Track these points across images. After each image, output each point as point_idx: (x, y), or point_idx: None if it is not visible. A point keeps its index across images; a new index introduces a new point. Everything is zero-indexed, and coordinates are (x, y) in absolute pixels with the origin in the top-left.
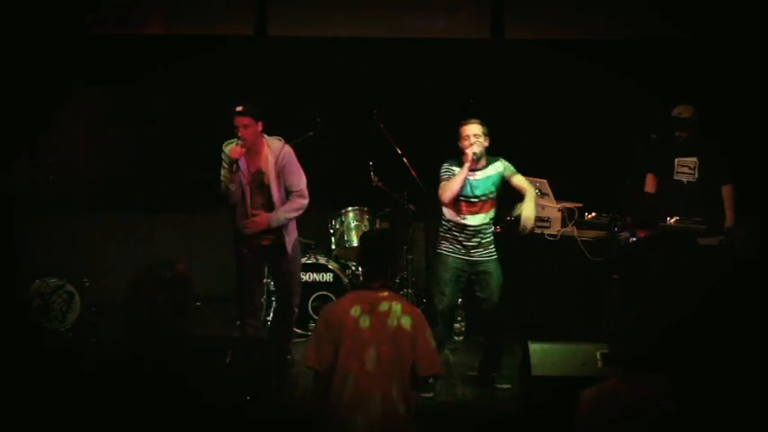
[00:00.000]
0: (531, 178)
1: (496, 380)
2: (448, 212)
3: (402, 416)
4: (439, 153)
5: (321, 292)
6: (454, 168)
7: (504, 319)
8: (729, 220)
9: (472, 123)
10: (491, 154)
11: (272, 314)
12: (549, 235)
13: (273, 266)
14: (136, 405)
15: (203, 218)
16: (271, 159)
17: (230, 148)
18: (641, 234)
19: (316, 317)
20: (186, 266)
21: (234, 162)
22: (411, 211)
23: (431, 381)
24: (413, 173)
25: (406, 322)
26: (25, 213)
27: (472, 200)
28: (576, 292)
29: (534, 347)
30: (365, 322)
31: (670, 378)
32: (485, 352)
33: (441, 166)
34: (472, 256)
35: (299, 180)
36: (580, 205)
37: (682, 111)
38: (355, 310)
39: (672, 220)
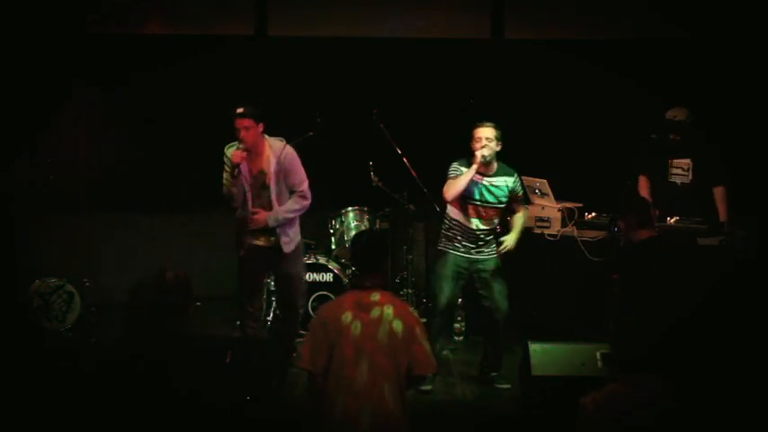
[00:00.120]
0: (532, 178)
1: (496, 380)
2: (454, 212)
3: (396, 417)
4: (439, 153)
5: (321, 292)
6: (462, 168)
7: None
8: (722, 216)
9: (486, 126)
10: (506, 161)
11: (271, 314)
12: (549, 235)
13: (274, 268)
14: (136, 405)
15: (203, 218)
16: (273, 160)
17: (232, 153)
18: (641, 234)
19: None
20: (185, 268)
21: (236, 166)
22: (411, 211)
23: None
24: (413, 173)
25: (398, 326)
26: (25, 213)
27: (481, 205)
28: (576, 292)
29: (534, 347)
30: (357, 329)
31: (670, 378)
32: (485, 352)
33: (441, 165)
34: (472, 255)
35: (302, 180)
36: (580, 205)
37: (676, 114)
38: (346, 317)
39: (672, 220)
